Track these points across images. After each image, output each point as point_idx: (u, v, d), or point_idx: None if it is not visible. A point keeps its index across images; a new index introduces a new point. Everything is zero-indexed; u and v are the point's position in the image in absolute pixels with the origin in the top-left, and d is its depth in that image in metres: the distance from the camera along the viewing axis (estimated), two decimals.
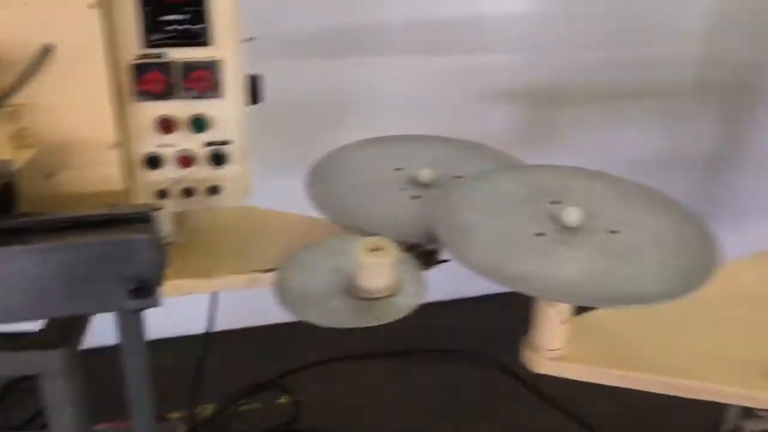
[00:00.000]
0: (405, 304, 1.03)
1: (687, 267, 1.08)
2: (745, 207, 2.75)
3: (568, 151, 2.60)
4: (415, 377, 2.26)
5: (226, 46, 1.14)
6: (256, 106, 1.23)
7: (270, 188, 1.70)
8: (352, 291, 1.03)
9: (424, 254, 1.28)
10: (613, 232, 1.16)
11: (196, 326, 1.71)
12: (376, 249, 1.00)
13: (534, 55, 2.40)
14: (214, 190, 1.25)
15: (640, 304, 1.02)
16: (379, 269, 0.99)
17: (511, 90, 2.44)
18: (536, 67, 2.42)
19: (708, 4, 2.46)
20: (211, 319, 1.61)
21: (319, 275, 1.05)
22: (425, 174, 1.35)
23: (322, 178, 1.35)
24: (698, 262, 1.09)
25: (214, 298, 1.61)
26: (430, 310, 2.57)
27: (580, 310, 1.38)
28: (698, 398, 1.28)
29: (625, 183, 1.31)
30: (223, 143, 1.21)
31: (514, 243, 1.12)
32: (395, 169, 1.40)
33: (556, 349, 1.26)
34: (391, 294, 1.04)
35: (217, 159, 1.20)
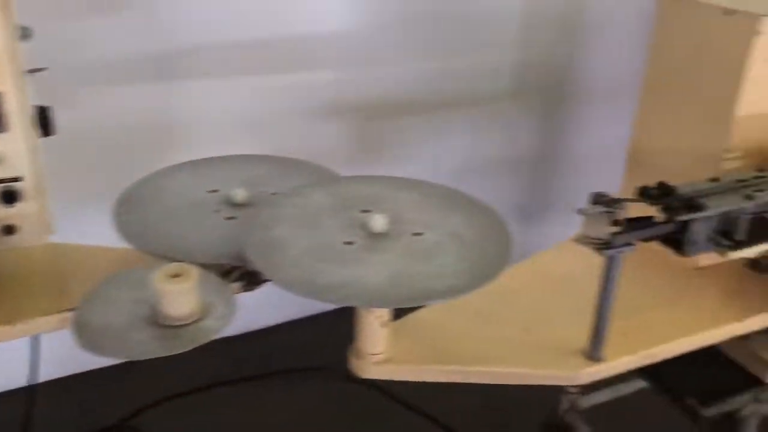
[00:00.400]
0: (213, 326, 1.02)
1: (483, 261, 1.15)
2: (564, 202, 2.97)
3: (397, 162, 2.70)
4: (270, 400, 2.24)
5: (5, 79, 1.09)
6: (64, 136, 1.18)
7: (86, 221, 1.63)
8: (157, 320, 1.00)
9: (246, 275, 1.27)
10: (416, 234, 1.21)
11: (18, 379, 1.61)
12: (176, 275, 0.99)
13: (357, 70, 2.46)
14: (9, 230, 1.18)
15: (440, 300, 1.08)
16: (180, 295, 0.98)
17: (338, 106, 2.49)
18: (361, 83, 2.49)
19: (517, 11, 2.64)
20: (33, 368, 1.51)
21: (121, 308, 1.02)
22: (239, 194, 1.34)
23: (131, 207, 1.31)
24: (493, 256, 1.16)
25: (34, 344, 1.52)
26: (280, 331, 2.57)
27: (407, 311, 1.43)
28: (521, 383, 1.36)
29: (431, 187, 1.37)
30: (14, 180, 1.15)
31: (325, 254, 1.14)
32: (209, 192, 1.38)
33: (379, 352, 1.29)
34: (198, 318, 1.02)
35: (8, 197, 1.14)
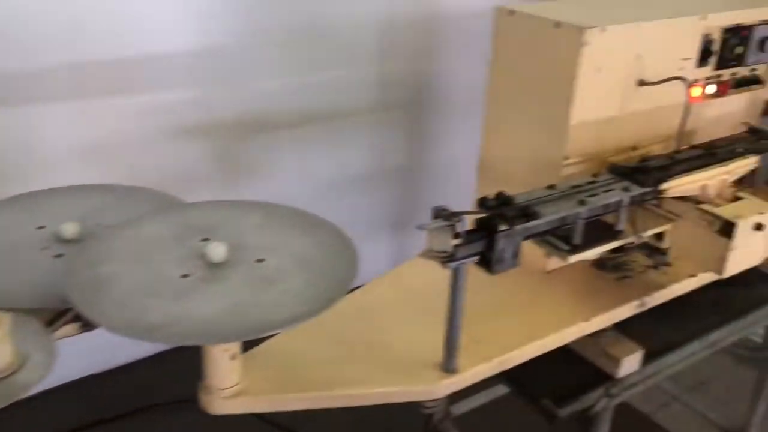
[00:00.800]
0: (30, 379, 0.93)
1: (328, 282, 1.13)
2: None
3: (263, 181, 2.64)
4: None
5: None
6: None
7: None
8: None
9: (78, 317, 1.18)
10: (259, 261, 1.17)
11: None
12: None
13: (216, 88, 2.40)
14: None
15: (279, 330, 1.04)
16: None
17: (197, 126, 2.41)
18: (220, 101, 2.42)
19: (374, 27, 2.66)
20: None
21: None
22: (69, 229, 1.25)
23: None
24: (338, 276, 1.14)
25: None
26: (161, 360, 2.43)
27: (262, 338, 1.38)
28: (379, 403, 1.35)
29: (277, 209, 1.34)
30: None
31: (157, 290, 1.08)
32: (37, 228, 1.28)
33: (231, 386, 1.24)
34: (13, 371, 0.93)
35: None
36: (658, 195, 1.42)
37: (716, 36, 1.71)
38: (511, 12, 1.59)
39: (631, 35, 1.52)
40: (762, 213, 1.43)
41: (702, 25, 1.64)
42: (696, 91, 1.73)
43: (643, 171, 1.42)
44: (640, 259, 1.67)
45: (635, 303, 1.57)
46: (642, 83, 1.58)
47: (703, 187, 1.48)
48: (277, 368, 1.32)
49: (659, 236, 1.52)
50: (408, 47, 2.75)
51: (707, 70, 1.74)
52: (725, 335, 1.74)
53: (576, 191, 1.35)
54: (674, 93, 1.66)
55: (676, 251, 1.53)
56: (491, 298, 1.59)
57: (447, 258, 1.20)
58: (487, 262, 1.26)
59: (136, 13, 2.16)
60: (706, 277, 1.66)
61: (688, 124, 1.74)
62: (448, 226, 1.19)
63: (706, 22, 1.64)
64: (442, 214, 1.19)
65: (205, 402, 1.24)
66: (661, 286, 1.62)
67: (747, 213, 1.42)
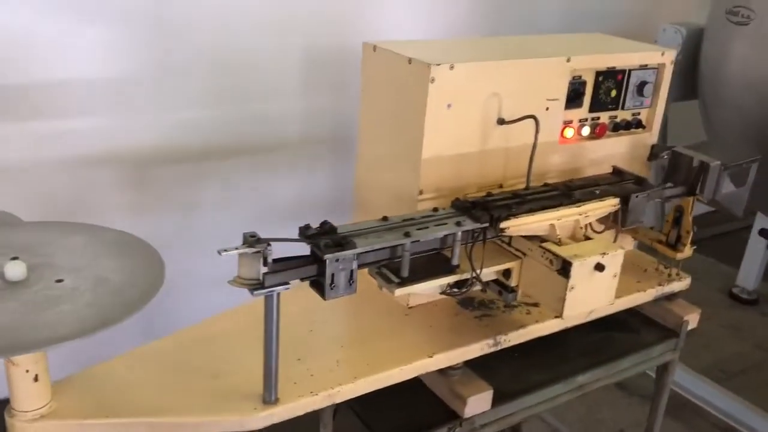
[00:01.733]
0: None
1: (119, 304, 1.12)
2: None
3: (178, 209, 2.65)
4: None
5: None
6: None
7: None
8: None
9: None
10: (58, 281, 1.16)
11: None
12: None
13: (132, 117, 2.42)
14: None
15: (38, 349, 1.03)
16: None
17: (109, 154, 2.42)
18: (138, 129, 2.44)
19: (301, 63, 2.69)
20: None
21: None
22: None
23: None
24: (134, 298, 1.13)
25: None
26: None
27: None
28: None
29: (105, 232, 1.33)
30: None
31: None
32: None
33: (37, 408, 1.22)
34: None
35: None
36: (499, 232, 1.41)
37: (588, 78, 1.72)
38: (375, 48, 1.60)
39: (483, 73, 1.53)
40: (604, 253, 1.42)
41: (568, 66, 1.65)
42: (568, 132, 1.74)
43: (482, 207, 1.41)
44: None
45: (489, 342, 1.55)
46: (501, 121, 1.59)
47: (554, 227, 1.47)
48: (96, 394, 1.30)
49: (508, 274, 1.50)
50: (332, 81, 2.77)
51: (581, 112, 1.75)
52: (594, 379, 1.72)
53: (407, 224, 1.35)
54: (543, 132, 1.67)
55: (524, 290, 1.52)
56: (346, 328, 1.58)
57: (255, 286, 1.19)
58: (320, 287, 1.25)
59: (40, 39, 2.19)
60: (576, 318, 1.65)
61: (566, 163, 1.75)
62: (256, 252, 1.18)
63: (572, 64, 1.66)
64: (250, 240, 1.18)
65: (9, 424, 1.21)
66: (520, 326, 1.60)
67: (588, 253, 1.41)
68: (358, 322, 1.59)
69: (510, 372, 1.64)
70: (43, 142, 2.29)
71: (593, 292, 1.44)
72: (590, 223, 1.71)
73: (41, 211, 2.14)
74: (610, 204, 1.55)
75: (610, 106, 1.80)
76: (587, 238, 1.49)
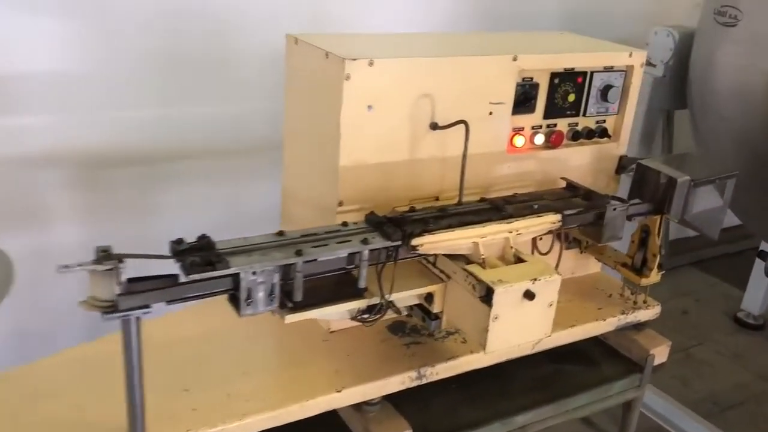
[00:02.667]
0: None
1: None
2: None
3: (143, 214, 2.50)
4: None
5: None
6: None
7: None
8: None
9: None
10: None
11: None
12: None
13: (77, 115, 2.28)
14: None
15: None
16: None
17: (58, 153, 2.29)
18: (83, 128, 2.30)
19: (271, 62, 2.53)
20: None
21: None
22: None
23: None
24: None
25: None
26: None
27: None
28: None
29: None
30: None
31: None
32: None
33: None
34: None
35: None
36: (411, 250, 1.23)
37: (541, 80, 1.54)
38: (296, 40, 1.44)
39: (409, 71, 1.35)
40: (536, 279, 1.23)
41: (515, 66, 1.47)
42: (518, 140, 1.56)
43: (396, 222, 1.24)
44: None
45: (411, 375, 1.37)
46: (434, 126, 1.41)
47: (478, 246, 1.29)
48: None
49: (431, 299, 1.32)
50: None
51: (534, 118, 1.57)
52: (538, 418, 1.53)
53: (303, 240, 1.17)
54: (487, 140, 1.49)
55: (448, 318, 1.33)
56: (252, 354, 1.40)
57: (108, 308, 1.03)
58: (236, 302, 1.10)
59: None
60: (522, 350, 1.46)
61: (518, 175, 1.57)
62: (108, 270, 1.02)
63: (520, 64, 1.47)
64: (101, 255, 1.02)
65: None
66: (451, 357, 1.42)
67: (515, 278, 1.22)
68: (268, 346, 1.42)
69: (442, 407, 1.46)
70: None
71: (523, 324, 1.25)
72: (537, 244, 1.53)
73: None
74: (549, 221, 1.37)
75: (569, 113, 1.61)
76: (519, 260, 1.30)
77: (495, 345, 1.23)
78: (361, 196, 1.39)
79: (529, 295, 1.22)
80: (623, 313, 1.66)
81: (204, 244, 1.11)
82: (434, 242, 1.24)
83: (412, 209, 1.32)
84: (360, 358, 1.39)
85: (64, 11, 2.16)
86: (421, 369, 1.38)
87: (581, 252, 1.74)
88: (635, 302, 1.69)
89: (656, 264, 1.60)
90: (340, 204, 1.37)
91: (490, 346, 1.23)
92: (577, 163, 1.66)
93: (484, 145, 1.49)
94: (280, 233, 1.19)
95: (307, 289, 1.18)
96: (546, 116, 1.58)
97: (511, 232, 1.31)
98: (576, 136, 1.63)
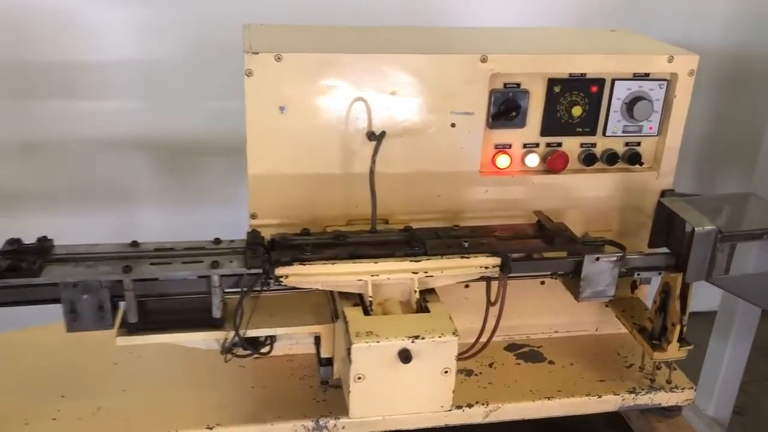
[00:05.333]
0: None
1: None
2: None
3: (220, 203, 2.52)
4: None
5: None
6: None
7: None
8: None
9: None
10: None
11: None
12: None
13: (156, 101, 2.34)
14: None
15: None
16: None
17: (138, 137, 2.38)
18: (161, 114, 2.36)
19: None
20: None
21: None
22: None
23: None
24: None
25: None
26: None
27: None
28: None
29: None
30: None
31: None
32: None
33: None
34: None
35: None
36: (277, 281, 1.03)
37: (535, 87, 1.23)
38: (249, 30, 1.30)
39: (333, 69, 1.14)
40: (417, 338, 0.97)
41: (484, 68, 1.18)
42: (502, 160, 1.27)
43: (280, 246, 1.05)
44: None
45: (309, 424, 1.17)
46: (371, 136, 1.18)
47: (367, 285, 1.04)
48: None
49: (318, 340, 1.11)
50: None
51: (526, 134, 1.26)
52: None
53: (155, 255, 1.04)
54: (449, 157, 1.23)
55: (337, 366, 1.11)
56: (152, 371, 1.28)
57: None
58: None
59: (78, 19, 2.19)
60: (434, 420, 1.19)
61: (500, 203, 1.28)
62: None
63: (492, 66, 1.18)
64: None
65: None
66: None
67: (391, 333, 0.97)
68: (171, 363, 1.29)
69: None
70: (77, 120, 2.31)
71: (403, 391, 1.00)
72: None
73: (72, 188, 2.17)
74: (478, 264, 1.07)
75: (579, 130, 1.28)
76: (424, 309, 1.04)
77: (361, 410, 1.00)
78: (280, 210, 1.21)
79: (404, 357, 0.96)
80: (632, 391, 1.28)
81: (40, 247, 1.03)
82: (305, 274, 1.03)
83: (305, 231, 1.11)
84: (261, 394, 1.22)
85: (157, 2, 2.22)
86: (321, 419, 1.17)
87: (606, 305, 1.39)
88: (652, 380, 1.30)
89: (676, 336, 1.21)
90: (253, 216, 1.21)
91: (354, 411, 0.99)
92: (593, 194, 1.31)
93: (446, 163, 1.23)
94: (134, 244, 1.06)
95: (162, 310, 1.05)
96: (545, 132, 1.27)
97: (416, 272, 1.05)
98: (590, 159, 1.29)
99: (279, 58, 1.12)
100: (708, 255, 1.13)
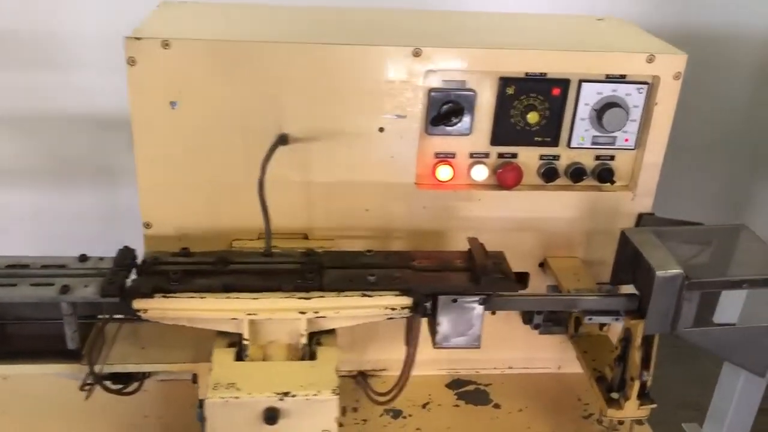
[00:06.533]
0: None
1: None
2: None
3: None
4: None
5: None
6: None
7: None
8: None
9: None
10: None
11: None
12: None
13: None
14: None
15: None
16: None
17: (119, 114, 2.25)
18: None
19: None
20: None
21: None
22: None
23: None
24: None
25: None
26: None
27: None
28: None
29: None
30: None
31: None
32: None
33: None
34: None
35: None
36: (133, 314, 0.87)
37: (483, 88, 1.03)
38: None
39: (231, 58, 0.96)
40: (287, 395, 0.80)
41: (418, 63, 0.99)
42: (444, 172, 1.07)
43: (148, 270, 0.89)
44: None
45: None
46: (283, 140, 1.01)
47: (242, 325, 0.87)
48: None
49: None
50: None
51: (473, 142, 1.07)
52: None
53: (6, 274, 0.89)
54: (379, 166, 1.05)
55: None
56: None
57: None
58: None
59: None
60: None
61: (439, 221, 1.09)
62: None
63: (428, 60, 0.99)
64: None
65: None
66: None
67: (256, 386, 0.81)
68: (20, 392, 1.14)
69: None
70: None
71: None
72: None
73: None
74: (383, 305, 0.89)
75: (538, 139, 1.07)
76: (312, 356, 0.87)
77: None
78: (178, 220, 1.05)
79: (269, 417, 0.80)
80: None
81: None
82: (167, 309, 0.86)
83: (184, 251, 0.94)
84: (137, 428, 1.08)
85: None
86: None
87: (571, 338, 1.20)
88: None
89: (635, 393, 1.01)
90: (148, 226, 1.06)
91: None
92: (554, 215, 1.11)
93: (374, 172, 1.05)
94: (76, 258, 0.92)
95: (21, 336, 0.91)
96: (496, 141, 1.07)
97: (304, 312, 0.87)
98: (550, 174, 1.09)
99: (167, 45, 0.95)
100: (672, 304, 0.92)
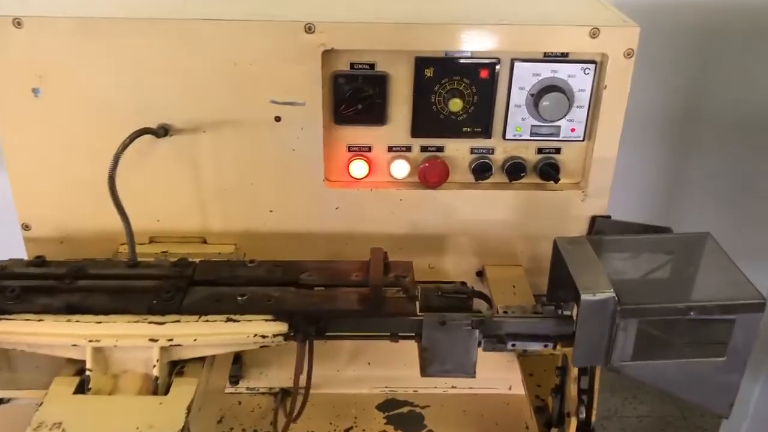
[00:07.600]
0: None
1: None
2: None
3: None
4: None
5: None
6: None
7: None
8: None
9: None
10: None
11: None
12: None
13: None
14: None
15: None
16: None
17: None
18: None
19: None
20: None
21: None
22: None
23: None
24: None
25: None
26: None
27: None
28: None
29: None
30: None
31: None
32: None
33: None
34: None
35: None
36: None
37: (396, 70, 0.87)
38: None
39: (103, 38, 0.83)
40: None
41: (312, 41, 0.84)
42: (358, 168, 0.93)
43: None
44: None
45: None
46: (164, 131, 0.87)
47: (87, 352, 0.74)
48: None
49: None
50: None
51: (391, 134, 0.92)
52: None
53: None
54: (277, 161, 0.91)
55: None
56: None
57: None
58: None
59: None
60: None
61: (351, 223, 0.95)
62: None
63: (322, 38, 0.84)
64: None
65: None
66: None
67: (89, 427, 0.68)
68: None
69: None
70: None
71: None
72: None
73: None
74: (251, 332, 0.75)
75: (467, 130, 0.91)
76: (166, 389, 0.74)
77: None
78: (57, 221, 0.94)
79: None
80: None
81: None
82: (1, 333, 0.75)
83: (39, 260, 0.82)
84: None
85: None
86: None
87: (519, 357, 1.04)
88: None
89: (574, 429, 0.86)
90: (26, 228, 0.94)
91: None
92: (488, 218, 0.96)
93: (274, 168, 0.91)
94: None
95: None
96: (417, 132, 0.92)
97: (156, 340, 0.74)
98: (482, 170, 0.93)
99: (19, 24, 0.82)
100: (605, 333, 0.76)
